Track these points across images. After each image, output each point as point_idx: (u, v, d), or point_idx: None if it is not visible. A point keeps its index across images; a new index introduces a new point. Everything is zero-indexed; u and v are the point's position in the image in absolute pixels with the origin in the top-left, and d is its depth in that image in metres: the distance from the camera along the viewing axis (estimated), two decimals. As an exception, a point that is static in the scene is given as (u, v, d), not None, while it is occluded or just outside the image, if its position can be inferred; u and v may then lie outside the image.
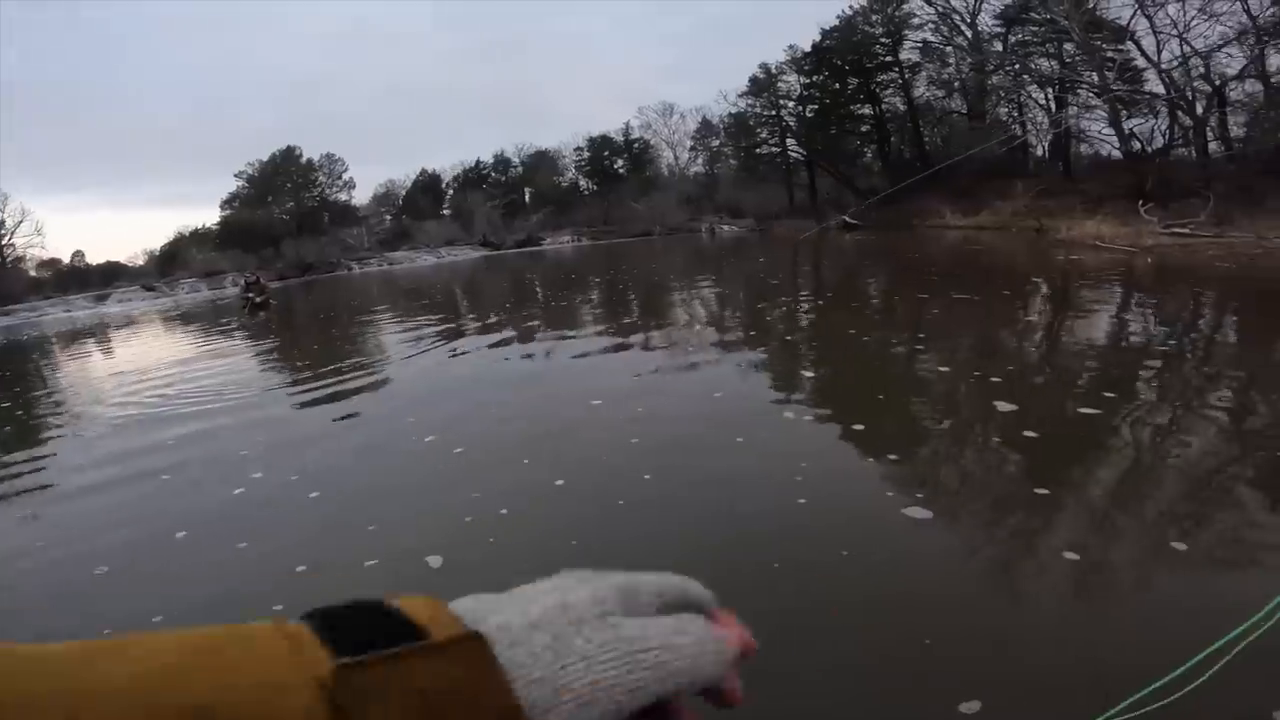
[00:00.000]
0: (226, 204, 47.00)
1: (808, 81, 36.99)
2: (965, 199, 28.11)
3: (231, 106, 69.60)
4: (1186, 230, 16.99)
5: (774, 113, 38.95)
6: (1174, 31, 23.74)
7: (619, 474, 3.68)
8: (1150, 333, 6.63)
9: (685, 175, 47.18)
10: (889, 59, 33.89)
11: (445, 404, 5.63)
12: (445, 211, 50.76)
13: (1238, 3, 22.00)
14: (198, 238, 46.85)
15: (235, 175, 46.65)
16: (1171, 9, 23.59)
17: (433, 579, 2.87)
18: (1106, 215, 20.01)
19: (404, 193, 53.20)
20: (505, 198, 48.34)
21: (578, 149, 50.09)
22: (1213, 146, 23.10)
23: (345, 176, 48.07)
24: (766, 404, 4.77)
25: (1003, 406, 4.20)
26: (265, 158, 46.11)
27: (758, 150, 40.57)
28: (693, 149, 47.23)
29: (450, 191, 52.94)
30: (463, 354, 7.90)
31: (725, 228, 37.80)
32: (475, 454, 4.26)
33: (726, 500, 3.25)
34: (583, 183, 51.81)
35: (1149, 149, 24.83)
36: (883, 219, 30.70)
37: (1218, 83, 23.18)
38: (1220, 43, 23.02)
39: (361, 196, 50.43)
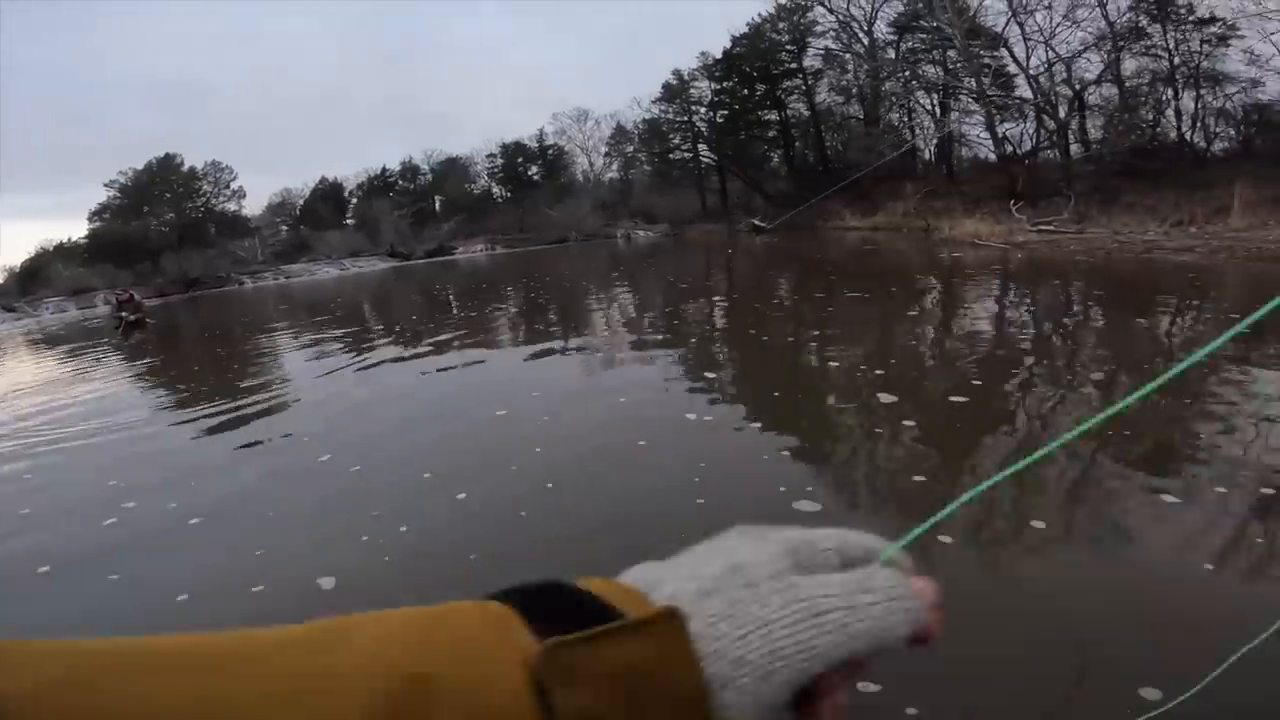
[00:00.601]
0: (96, 215, 42.88)
1: (718, 88, 38.18)
2: (863, 201, 29.81)
3: (99, 112, 63.51)
4: (1051, 227, 18.76)
5: (686, 118, 39.89)
6: (1041, 38, 26.22)
7: (522, 484, 3.66)
8: (1017, 324, 7.32)
9: (600, 181, 47.38)
10: (794, 66, 35.54)
11: (343, 422, 5.38)
12: (349, 221, 48.53)
13: (1097, 9, 24.58)
14: (63, 252, 42.41)
15: (106, 185, 42.65)
16: (1039, 16, 26.03)
17: (323, 601, 2.75)
18: (984, 214, 21.78)
19: (302, 202, 50.40)
20: (414, 206, 46.80)
21: (490, 156, 49.27)
22: (1074, 148, 25.63)
23: (234, 185, 44.92)
24: (670, 407, 4.87)
25: (885, 398, 4.50)
26: (140, 166, 42.48)
27: (671, 156, 41.42)
28: (607, 155, 47.54)
29: (354, 200, 50.69)
30: (366, 369, 7.57)
31: (641, 233, 38.23)
32: (375, 471, 4.11)
33: (627, 505, 3.30)
34: (496, 190, 50.94)
35: (1019, 151, 27.25)
36: (789, 221, 32.13)
37: (1078, 87, 25.77)
38: (1081, 48, 25.62)
39: (254, 206, 47.30)
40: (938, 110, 31.32)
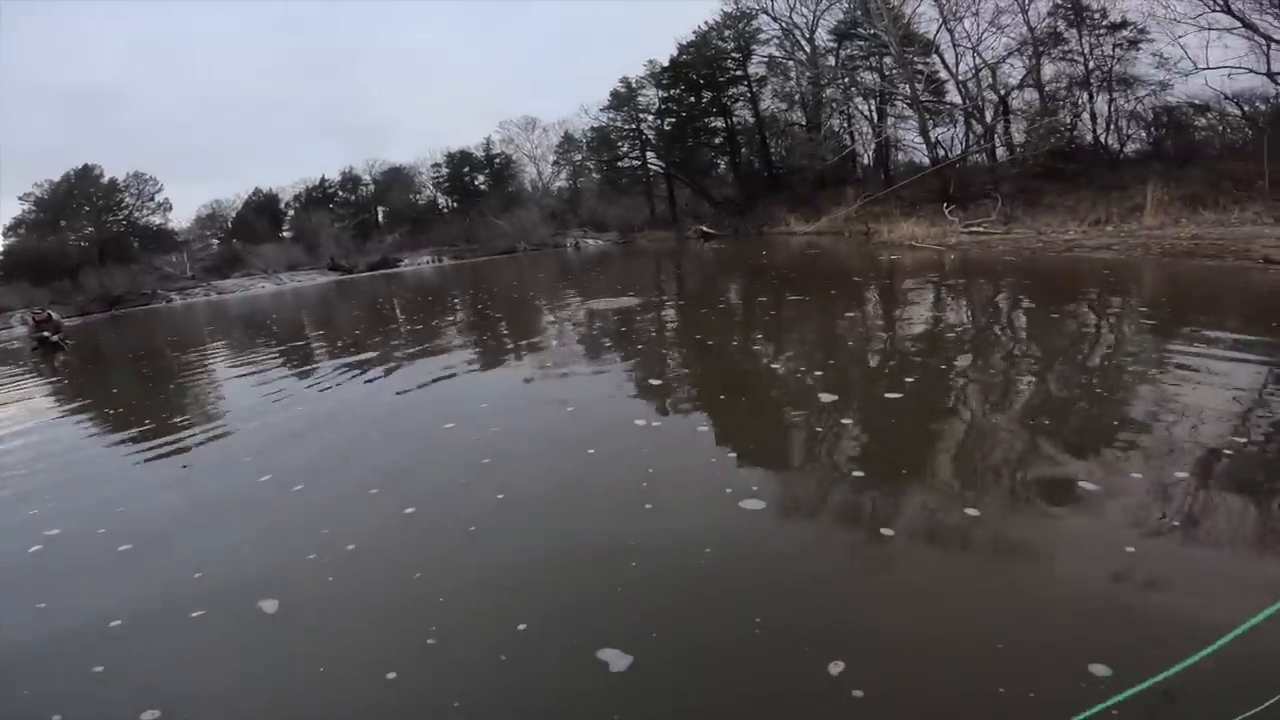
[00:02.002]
0: (10, 231, 40.11)
1: (666, 95, 38.57)
2: (805, 206, 30.68)
3: (5, 123, 59.30)
4: (981, 228, 19.71)
5: (634, 126, 40.15)
6: (969, 44, 27.56)
7: (470, 498, 3.63)
8: (949, 322, 7.66)
9: (549, 190, 47.19)
10: (739, 73, 36.28)
11: (283, 441, 5.21)
12: (286, 234, 46.83)
13: (1020, 15, 25.98)
14: (-27, 271, 39.45)
15: (20, 199, 39.97)
16: (968, 23, 27.36)
17: (266, 625, 2.68)
18: (920, 217, 22.70)
19: (234, 214, 48.38)
20: (356, 217, 45.56)
21: (435, 165, 48.38)
22: (1000, 152, 26.99)
23: (159, 197, 42.66)
24: (618, 413, 4.91)
25: (826, 398, 4.66)
26: (57, 178, 39.97)
27: (619, 163, 41.63)
28: (556, 163, 47.43)
29: (291, 212, 48.95)
30: (306, 386, 7.35)
31: (590, 242, 38.25)
32: (319, 490, 4.01)
33: (579, 516, 3.32)
34: (442, 200, 50.05)
35: (950, 155, 28.52)
36: (736, 227, 32.74)
37: (1003, 92, 27.18)
38: (1005, 54, 27.03)
39: (181, 219, 45.01)
40: (875, 116, 32.51)
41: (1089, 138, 26.83)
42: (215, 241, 46.32)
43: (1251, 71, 21.62)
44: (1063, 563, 2.52)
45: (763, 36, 34.88)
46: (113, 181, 41.07)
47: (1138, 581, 2.38)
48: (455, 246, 42.36)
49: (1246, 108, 22.58)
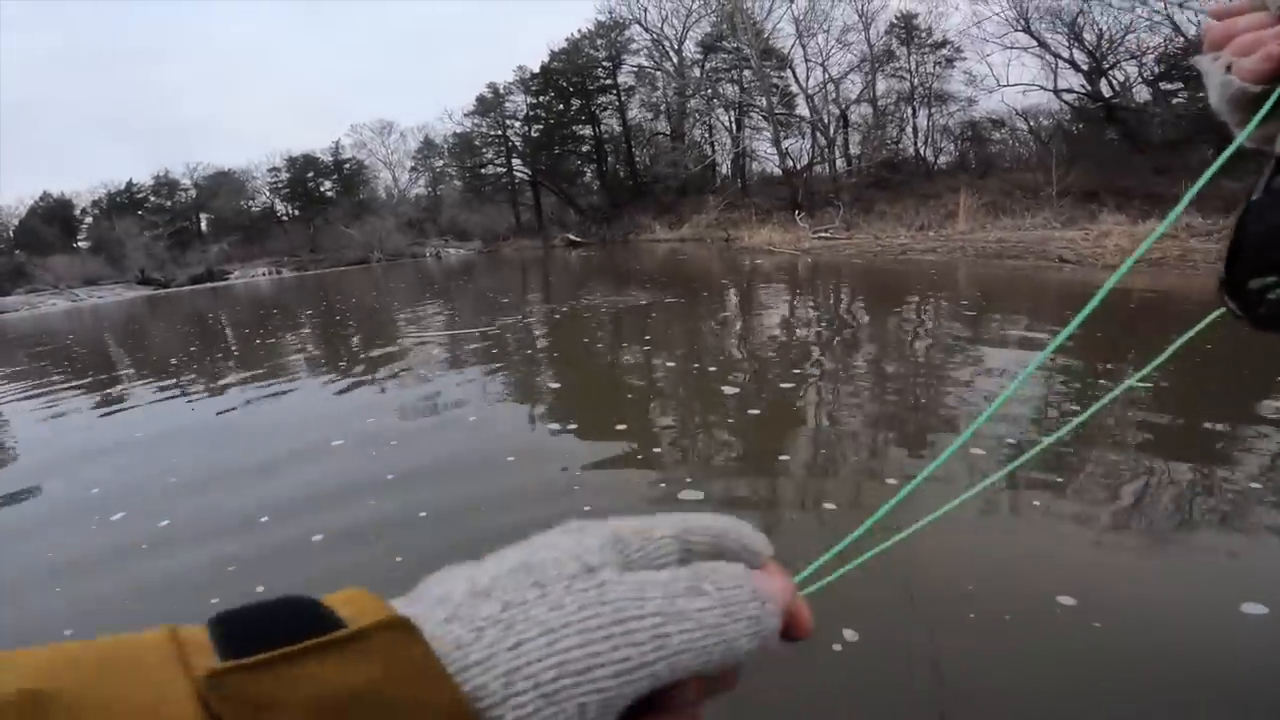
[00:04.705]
0: None
1: (534, 102, 38.05)
2: (669, 214, 31.68)
3: None
4: (828, 234, 21.46)
5: (500, 132, 39.16)
6: (819, 60, 30.02)
7: (378, 516, 3.18)
8: (814, 317, 8.22)
9: (406, 197, 44.67)
10: (609, 82, 36.68)
11: (123, 475, 4.28)
12: (82, 244, 40.34)
13: (863, 34, 28.69)
14: None
15: None
16: (820, 39, 29.80)
17: None
18: (775, 224, 24.28)
19: (16, 223, 40.85)
20: (172, 225, 40.24)
21: (274, 169, 44.01)
22: (840, 162, 29.69)
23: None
24: (520, 424, 4.61)
25: (728, 390, 4.71)
26: None
27: (483, 170, 40.39)
28: (414, 169, 45.00)
29: (89, 220, 42.26)
30: (133, 410, 6.17)
31: (452, 251, 36.73)
32: (192, 524, 3.29)
33: (511, 531, 3.01)
34: (281, 207, 45.67)
35: (798, 165, 30.87)
36: (603, 235, 33.04)
37: (844, 106, 29.90)
38: (847, 70, 29.77)
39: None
40: (734, 127, 34.43)
41: (911, 150, 30.35)
42: (-11, 254, 38.76)
43: (1042, 89, 25.64)
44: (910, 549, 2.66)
45: (634, 46, 35.78)
46: None
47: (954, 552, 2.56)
48: (297, 257, 38.81)
49: (1033, 123, 26.72)
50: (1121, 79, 24.55)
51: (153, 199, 43.13)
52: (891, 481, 3.15)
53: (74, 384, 7.78)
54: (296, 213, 44.56)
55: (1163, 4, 22.10)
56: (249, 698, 0.19)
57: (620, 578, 0.23)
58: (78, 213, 42.44)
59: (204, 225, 43.90)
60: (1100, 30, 23.76)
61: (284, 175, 43.92)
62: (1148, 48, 23.34)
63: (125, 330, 15.59)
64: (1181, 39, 22.54)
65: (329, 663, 0.19)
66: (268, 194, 45.21)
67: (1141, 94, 24.32)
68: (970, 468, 3.21)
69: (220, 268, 36.33)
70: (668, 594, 0.23)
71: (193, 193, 43.74)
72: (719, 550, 0.26)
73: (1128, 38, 23.47)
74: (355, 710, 0.19)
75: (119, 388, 7.26)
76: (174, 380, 7.20)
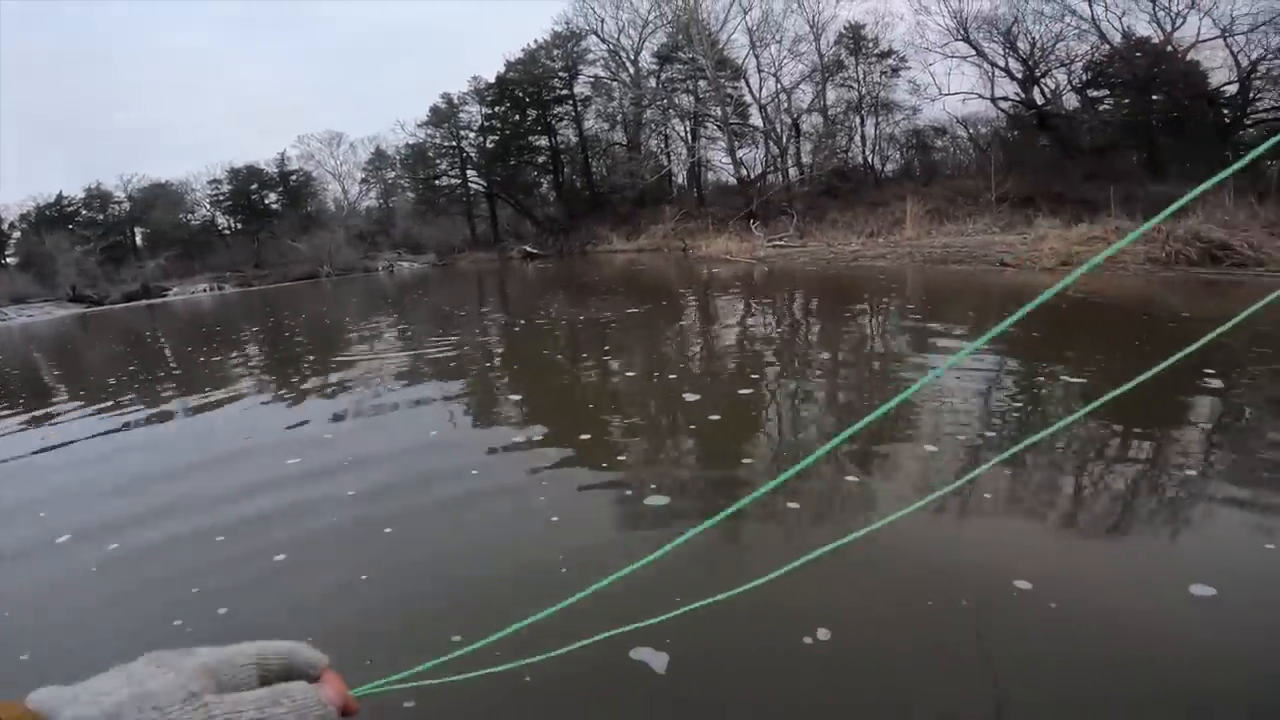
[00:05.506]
0: None
1: (490, 112, 37.67)
2: (626, 224, 31.82)
3: None
4: (782, 242, 21.90)
5: (455, 143, 38.62)
6: (772, 70, 30.67)
7: (348, 536, 3.07)
8: (770, 323, 8.40)
9: (356, 210, 43.61)
10: (565, 92, 36.61)
11: (65, 498, 4.04)
12: (9, 260, 38.12)
13: (814, 44, 29.45)
14: None
15: None
16: (773, 49, 30.45)
17: None
18: (731, 233, 24.64)
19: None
20: (105, 240, 38.39)
21: (214, 181, 42.42)
22: (792, 171, 30.36)
23: None
24: (477, 439, 4.55)
25: (690, 397, 4.74)
26: None
27: (437, 182, 39.74)
28: (364, 181, 43.97)
29: (15, 234, 39.96)
30: (49, 433, 5.83)
31: (405, 264, 36.03)
32: (151, 547, 3.12)
33: (481, 550, 2.94)
34: (223, 220, 44.03)
35: (753, 175, 31.46)
36: (560, 246, 32.93)
37: (795, 115, 30.61)
38: (798, 79, 30.50)
39: None
40: (690, 137, 34.85)
41: (860, 158, 31.29)
42: (-103, 274, 36.20)
43: (980, 96, 26.79)
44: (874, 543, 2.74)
45: (590, 57, 35.88)
46: None
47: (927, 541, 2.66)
48: (241, 272, 37.47)
49: (972, 130, 27.91)
50: (1053, 86, 25.87)
51: (84, 212, 41.08)
52: (850, 479, 3.23)
53: (6, 408, 7.31)
54: (239, 226, 43.07)
55: (1090, 11, 23.40)
56: None
57: (220, 698, 0.29)
58: (5, 227, 40.08)
59: (139, 240, 42.00)
60: (1033, 39, 25.02)
61: (226, 187, 42.41)
62: (1076, 55, 24.67)
63: (59, 351, 14.74)
64: (1108, 46, 23.93)
65: None
66: (208, 207, 43.58)
67: (1071, 101, 25.68)
68: (926, 467, 3.32)
69: (157, 284, 34.76)
70: (258, 708, 0.29)
71: (127, 206, 41.84)
72: (290, 666, 0.33)
73: (1058, 46, 24.76)
74: None
75: (52, 409, 6.85)
76: (112, 402, 6.84)
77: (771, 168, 30.82)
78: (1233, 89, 21.95)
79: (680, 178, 36.47)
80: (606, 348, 7.44)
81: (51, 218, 39.23)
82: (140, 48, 69.90)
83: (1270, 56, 20.63)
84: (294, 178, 42.84)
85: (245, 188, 42.23)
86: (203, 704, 0.28)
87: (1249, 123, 21.77)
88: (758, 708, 1.80)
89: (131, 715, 0.26)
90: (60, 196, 40.56)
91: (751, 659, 1.99)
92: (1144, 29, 23.28)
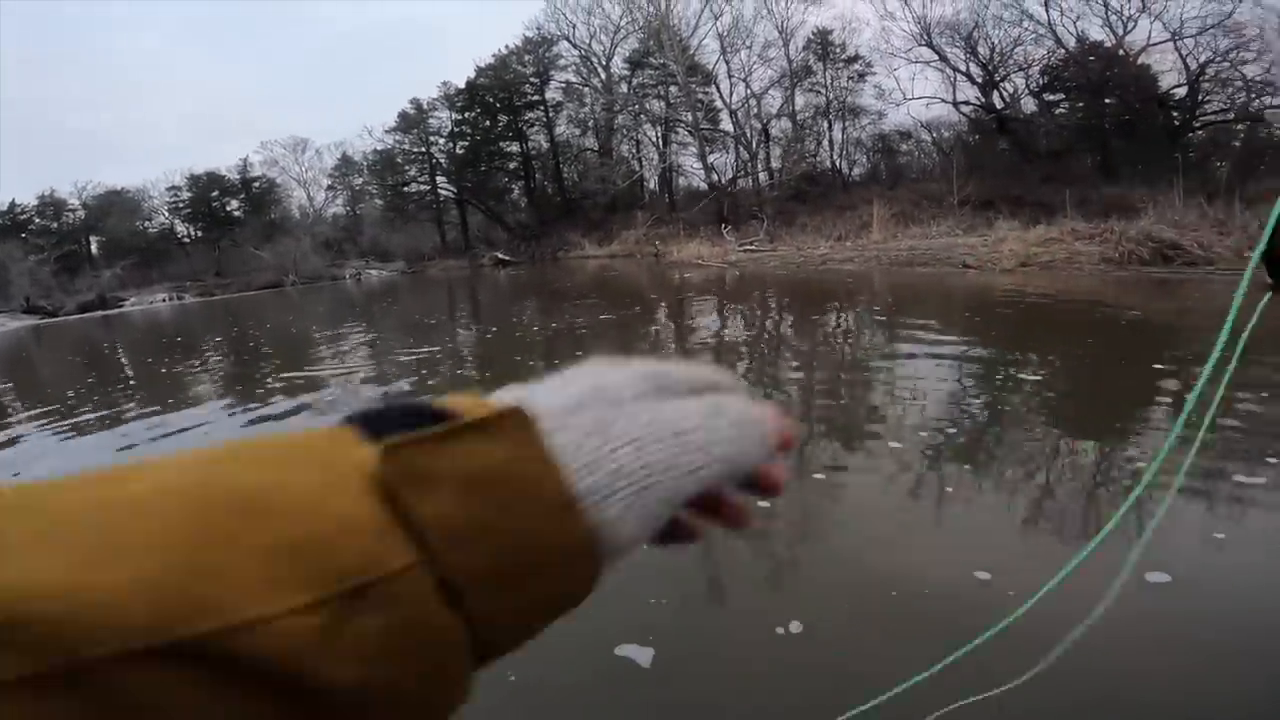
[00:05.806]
0: None
1: (460, 118, 37.26)
2: (598, 230, 31.78)
3: None
4: (753, 247, 22.11)
5: (424, 149, 38.11)
6: (742, 75, 30.96)
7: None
8: (742, 326, 8.49)
9: (322, 217, 42.78)
10: (536, 98, 36.42)
11: None
12: (-45, 272, 36.45)
13: (783, 50, 29.79)
14: None
15: None
16: (743, 54, 30.73)
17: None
18: (703, 238, 24.79)
19: None
20: (59, 249, 37.06)
21: (173, 188, 41.25)
22: (762, 176, 30.65)
23: None
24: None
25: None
26: None
27: (406, 188, 39.18)
28: (331, 188, 43.15)
29: (-39, 245, 38.23)
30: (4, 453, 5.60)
31: (374, 272, 35.43)
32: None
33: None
34: (182, 228, 42.85)
35: (723, 180, 31.70)
36: (532, 253, 32.76)
37: (765, 121, 30.92)
38: (768, 85, 30.83)
39: None
40: (661, 142, 34.97)
41: (827, 163, 31.76)
42: None
43: (943, 101, 27.41)
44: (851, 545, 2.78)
45: (561, 62, 35.76)
46: None
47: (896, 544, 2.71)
48: (202, 282, 36.47)
49: (935, 134, 28.55)
50: (1011, 90, 26.61)
51: (38, 220, 39.63)
52: (819, 476, 3.27)
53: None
54: (200, 234, 41.96)
55: (1046, 16, 24.13)
56: (417, 469, 0.22)
57: (666, 403, 0.28)
58: (-50, 237, 38.44)
59: (95, 249, 40.64)
60: (993, 43, 25.71)
61: (185, 194, 41.30)
62: (1033, 59, 25.43)
63: (13, 363, 14.16)
64: (1063, 51, 24.71)
65: (472, 444, 0.23)
66: (166, 215, 42.40)
67: (1029, 105, 26.44)
68: (899, 461, 3.38)
69: (114, 294, 33.65)
70: (701, 415, 0.28)
71: (81, 213, 40.47)
72: (717, 390, 0.31)
73: (1016, 50, 25.49)
74: (490, 487, 0.22)
75: (9, 429, 6.57)
76: (70, 422, 6.59)
77: (742, 172, 31.08)
78: (1182, 92, 22.84)
79: (652, 183, 36.59)
80: (579, 354, 7.42)
81: (4, 226, 37.74)
82: (95, 49, 67.81)
83: (1218, 59, 21.51)
84: (257, 184, 41.91)
85: (206, 195, 41.18)
86: (653, 404, 0.27)
87: (1198, 125, 22.68)
88: (740, 694, 1.86)
89: (591, 405, 0.26)
90: (13, 204, 39.07)
91: (733, 648, 2.07)
92: (1097, 33, 24.13)
